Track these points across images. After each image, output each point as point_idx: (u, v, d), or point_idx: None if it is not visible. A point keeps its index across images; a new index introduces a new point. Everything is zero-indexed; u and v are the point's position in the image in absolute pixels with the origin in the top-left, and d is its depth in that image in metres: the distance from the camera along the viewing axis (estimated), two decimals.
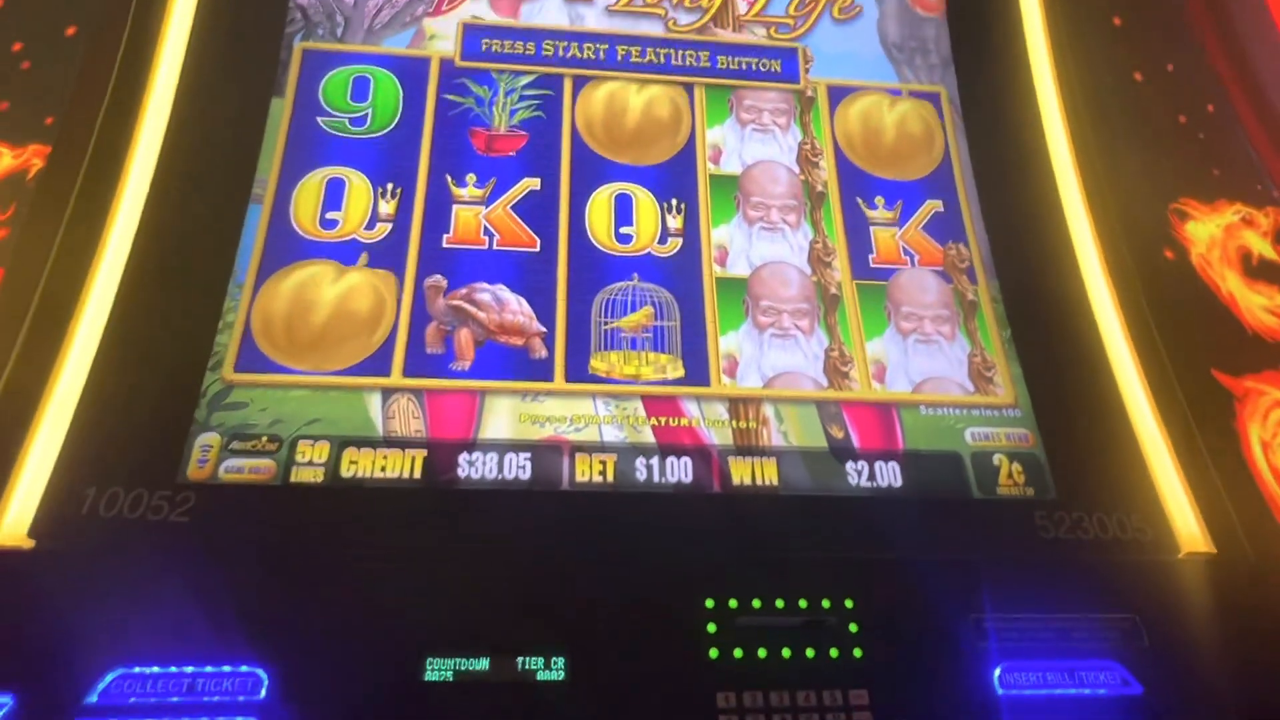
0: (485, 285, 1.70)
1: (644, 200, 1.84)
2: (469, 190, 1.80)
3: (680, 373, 1.67)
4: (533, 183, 1.82)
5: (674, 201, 1.85)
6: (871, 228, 1.89)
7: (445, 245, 1.74)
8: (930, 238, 1.90)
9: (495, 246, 1.75)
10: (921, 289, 1.83)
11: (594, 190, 1.84)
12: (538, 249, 1.76)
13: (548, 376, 1.62)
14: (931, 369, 1.74)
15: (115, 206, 1.60)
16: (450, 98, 1.89)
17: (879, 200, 1.92)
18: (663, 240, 1.81)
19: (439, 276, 1.70)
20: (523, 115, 1.90)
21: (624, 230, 1.81)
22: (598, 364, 1.66)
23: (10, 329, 1.46)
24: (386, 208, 1.76)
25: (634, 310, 1.72)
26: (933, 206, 1.93)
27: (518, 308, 1.69)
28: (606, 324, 1.70)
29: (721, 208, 1.86)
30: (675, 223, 1.83)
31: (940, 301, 1.82)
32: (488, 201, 1.79)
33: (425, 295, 1.68)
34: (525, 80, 1.93)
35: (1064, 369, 1.75)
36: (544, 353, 1.65)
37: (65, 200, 1.58)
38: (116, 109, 1.67)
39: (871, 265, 1.84)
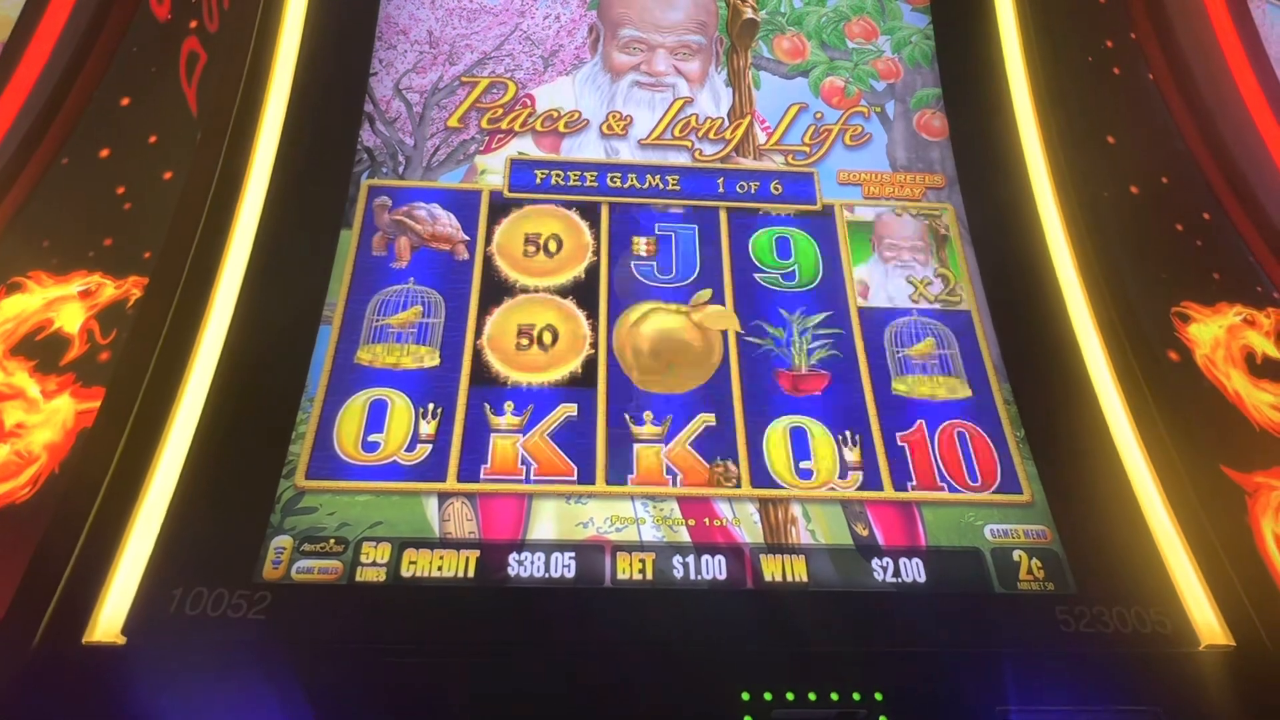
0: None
1: None
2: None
3: None
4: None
5: None
6: None
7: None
8: None
9: None
10: None
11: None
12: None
13: (590, 481, 1.75)
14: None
15: (203, 331, 1.78)
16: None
17: None
18: None
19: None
20: None
21: None
22: None
23: (110, 442, 1.63)
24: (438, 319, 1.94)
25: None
26: None
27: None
28: None
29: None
30: None
31: None
32: None
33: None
34: None
35: (1077, 467, 1.84)
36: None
37: (160, 326, 1.76)
38: (206, 244, 1.88)
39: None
